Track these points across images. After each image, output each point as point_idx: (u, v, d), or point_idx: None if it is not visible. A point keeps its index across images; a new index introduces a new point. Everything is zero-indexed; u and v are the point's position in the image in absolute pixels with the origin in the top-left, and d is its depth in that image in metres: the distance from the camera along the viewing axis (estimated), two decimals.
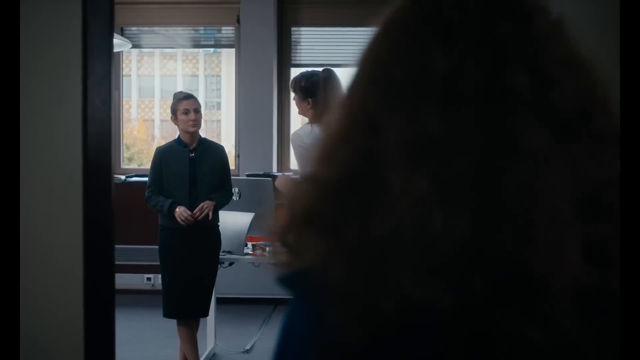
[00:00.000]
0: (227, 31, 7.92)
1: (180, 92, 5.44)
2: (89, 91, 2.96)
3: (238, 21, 7.70)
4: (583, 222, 0.82)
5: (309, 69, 5.07)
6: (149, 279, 7.58)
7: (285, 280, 0.90)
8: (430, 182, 0.81)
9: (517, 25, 0.86)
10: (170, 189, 5.24)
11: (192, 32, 7.96)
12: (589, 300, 0.82)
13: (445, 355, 0.80)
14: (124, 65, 8.29)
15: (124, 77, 8.24)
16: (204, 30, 7.98)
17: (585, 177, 0.84)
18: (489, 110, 0.83)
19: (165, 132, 8.68)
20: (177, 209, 5.16)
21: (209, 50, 8.58)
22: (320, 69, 4.92)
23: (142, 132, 8.91)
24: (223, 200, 5.37)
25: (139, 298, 7.38)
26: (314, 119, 4.73)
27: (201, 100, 9.34)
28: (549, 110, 0.84)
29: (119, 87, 7.90)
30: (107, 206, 3.02)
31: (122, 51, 7.80)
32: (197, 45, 8.17)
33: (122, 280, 7.46)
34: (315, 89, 4.59)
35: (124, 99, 8.38)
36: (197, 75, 8.71)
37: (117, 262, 7.46)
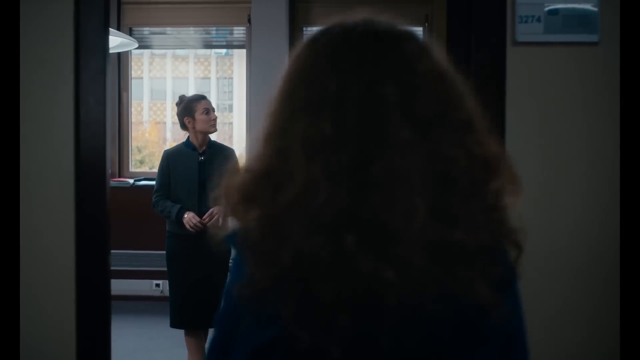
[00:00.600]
0: (239, 32, 7.69)
1: (191, 95, 5.21)
2: (82, 90, 2.73)
3: (249, 21, 7.47)
4: (433, 191, 1.12)
5: None
6: (157, 285, 7.34)
7: (228, 238, 1.26)
8: (321, 169, 1.13)
9: (389, 50, 1.20)
10: (179, 193, 5.01)
11: (204, 33, 7.72)
12: (434, 248, 1.11)
13: (323, 291, 1.11)
14: (136, 67, 8.15)
15: (135, 80, 8.04)
16: (216, 32, 7.75)
17: (437, 159, 1.14)
18: (367, 114, 1.14)
19: (177, 134, 8.53)
20: (186, 215, 4.93)
21: (221, 53, 8.47)
22: None
23: (154, 135, 8.83)
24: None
25: (147, 305, 7.15)
26: None
27: (213, 102, 9.14)
28: (412, 111, 1.15)
29: (127, 89, 7.69)
30: (101, 213, 2.82)
31: (130, 52, 7.61)
32: (208, 46, 7.94)
33: (130, 287, 7.30)
34: None
35: (136, 102, 8.26)
36: (209, 78, 8.62)
37: (125, 268, 7.28)
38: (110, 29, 5.29)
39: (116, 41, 5.27)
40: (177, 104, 5.17)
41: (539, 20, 2.60)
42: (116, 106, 7.59)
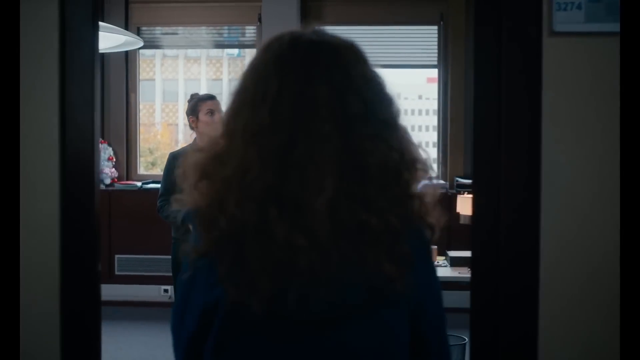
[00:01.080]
0: (250, 31, 7.39)
1: (201, 94, 4.91)
2: (68, 88, 2.43)
3: (259, 20, 7.16)
4: (347, 176, 1.37)
5: None
6: (166, 290, 7.04)
7: (186, 214, 2.16)
8: (255, 151, 1.38)
9: (326, 56, 1.44)
10: None
11: (216, 34, 7.42)
12: (343, 225, 1.36)
13: (249, 253, 1.37)
14: (148, 69, 7.96)
15: (147, 82, 7.87)
16: (228, 32, 7.45)
17: (354, 150, 1.38)
18: (298, 109, 1.39)
19: (189, 136, 8.10)
20: None
21: (233, 54, 8.27)
22: None
23: (166, 137, 8.69)
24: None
25: (155, 311, 6.84)
26: None
27: (225, 104, 8.60)
28: (337, 109, 1.39)
29: (135, 90, 7.41)
30: (89, 219, 2.59)
31: (138, 52, 7.33)
32: (219, 45, 7.64)
33: (138, 292, 7.01)
34: None
35: (148, 103, 8.06)
36: (220, 79, 8.46)
37: (132, 273, 6.95)
38: (115, 27, 5.08)
39: (120, 39, 4.99)
40: (189, 102, 4.88)
41: (579, 7, 2.27)
42: (124, 107, 7.32)
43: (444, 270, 5.10)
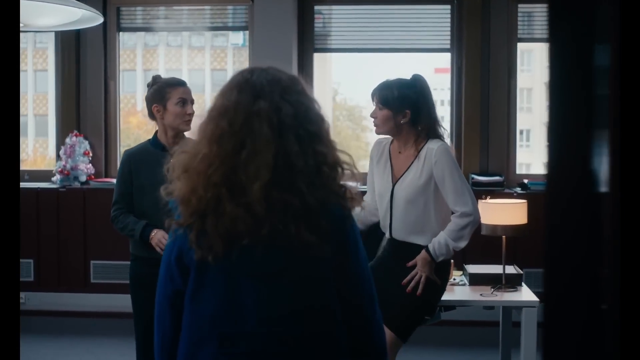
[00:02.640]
0: (239, 11, 6.43)
1: (168, 77, 3.91)
2: None
3: None
4: (279, 169, 1.87)
5: (395, 78, 3.77)
6: None
7: (172, 204, 1.98)
8: (216, 150, 1.90)
9: (271, 80, 1.97)
10: (144, 206, 3.75)
11: (202, 15, 6.47)
12: (270, 201, 1.86)
13: (209, 224, 1.91)
14: (152, 59, 7.26)
15: (151, 72, 6.96)
16: (218, 12, 6.49)
17: (285, 151, 1.88)
18: (248, 120, 1.91)
19: (193, 126, 7.41)
20: (154, 233, 3.67)
21: (238, 44, 7.48)
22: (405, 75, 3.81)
23: None
24: None
25: (132, 322, 5.85)
26: (407, 134, 3.67)
27: None
28: (276, 120, 1.90)
29: (115, 77, 6.46)
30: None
31: (118, 34, 6.39)
32: (208, 28, 6.69)
33: (116, 302, 5.91)
34: (415, 98, 3.64)
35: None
36: (225, 69, 7.81)
37: (107, 281, 5.88)
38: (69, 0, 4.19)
39: (77, 14, 4.03)
40: (149, 85, 3.88)
41: None
42: (102, 97, 6.38)
43: (461, 292, 4.15)
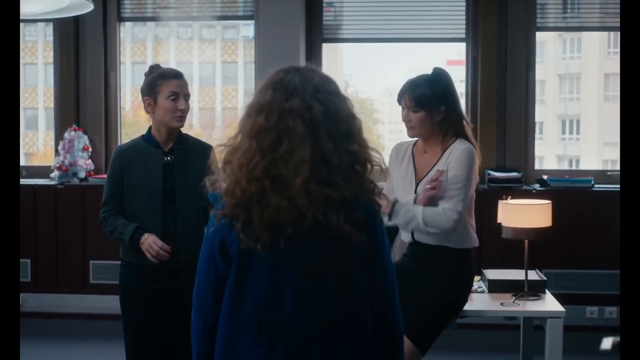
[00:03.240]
0: (248, 1, 6.08)
1: (159, 66, 3.56)
2: None
3: None
4: (317, 165, 1.99)
5: (420, 74, 3.57)
6: None
7: (211, 195, 2.11)
8: (256, 145, 2.02)
9: (303, 79, 2.08)
10: (135, 208, 3.44)
11: (208, 4, 6.14)
12: (315, 196, 1.98)
13: (254, 214, 2.02)
14: (162, 51, 7.08)
15: (160, 65, 6.57)
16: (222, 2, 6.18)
17: (320, 148, 2.00)
18: (283, 117, 2.03)
19: (204, 120, 8.11)
20: (144, 238, 3.34)
21: (248, 37, 7.12)
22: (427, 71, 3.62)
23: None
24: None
25: None
26: (440, 133, 3.50)
27: (240, 88, 7.50)
28: (308, 118, 2.02)
29: (115, 69, 6.12)
30: None
31: (119, 24, 6.05)
32: (209, 17, 6.35)
33: (117, 304, 5.68)
34: (447, 93, 3.49)
35: None
36: (235, 62, 7.80)
37: (110, 282, 5.58)
38: None
39: (64, 1, 3.69)
40: (146, 75, 3.55)
41: None
42: (102, 89, 6.05)
43: (480, 300, 3.79)
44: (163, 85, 3.41)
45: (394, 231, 3.63)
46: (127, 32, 7.14)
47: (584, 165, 10.58)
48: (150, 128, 3.50)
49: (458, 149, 3.42)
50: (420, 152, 3.54)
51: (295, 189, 1.97)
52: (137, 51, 7.45)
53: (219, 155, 2.12)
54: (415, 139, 3.57)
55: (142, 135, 3.52)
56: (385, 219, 3.33)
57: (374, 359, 2.16)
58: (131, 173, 3.41)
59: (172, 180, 3.40)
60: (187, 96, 3.44)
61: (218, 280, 2.11)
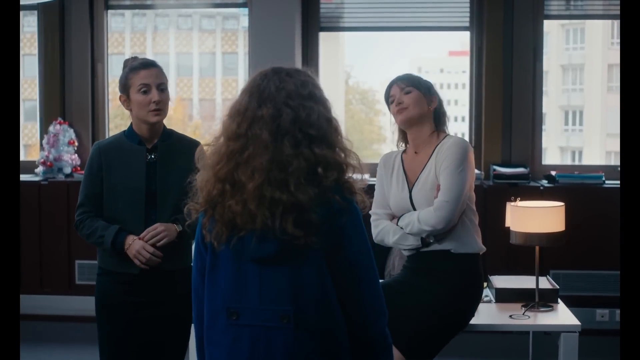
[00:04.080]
0: None
1: (135, 58, 3.17)
2: None
3: None
4: (273, 170, 2.04)
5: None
6: None
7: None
8: (226, 150, 2.09)
9: (277, 85, 2.10)
10: (116, 210, 3.09)
11: None
12: (266, 200, 2.04)
13: (216, 213, 2.10)
14: (161, 42, 7.02)
15: (162, 55, 6.97)
16: None
17: (281, 154, 2.04)
18: (253, 123, 2.07)
19: (204, 111, 8.11)
20: (130, 242, 3.02)
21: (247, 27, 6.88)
22: None
23: (179, 112, 8.07)
24: (195, 226, 3.14)
25: None
26: (429, 126, 3.28)
27: (241, 79, 7.34)
28: (275, 124, 2.06)
29: (103, 60, 5.75)
30: None
31: (106, 12, 5.69)
32: (202, 4, 6.02)
33: None
34: (434, 89, 3.34)
35: None
36: (236, 53, 7.72)
37: (94, 283, 5.11)
38: None
39: None
40: (123, 70, 3.18)
41: None
42: (89, 81, 5.70)
43: (487, 311, 3.41)
44: (133, 78, 3.06)
45: (385, 250, 3.43)
46: (126, 23, 6.97)
47: (587, 157, 10.24)
48: (131, 124, 3.14)
49: (448, 141, 3.18)
50: (409, 156, 3.28)
51: (247, 194, 2.04)
52: (136, 42, 7.37)
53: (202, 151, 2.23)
54: (401, 149, 3.34)
55: (124, 131, 3.16)
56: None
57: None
58: (111, 172, 3.06)
59: (155, 180, 3.07)
60: (161, 86, 3.06)
61: (204, 267, 2.19)
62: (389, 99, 3.26)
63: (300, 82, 2.13)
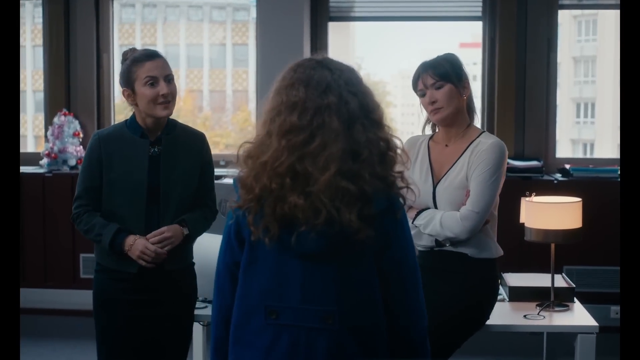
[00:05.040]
0: None
1: (135, 49, 3.02)
2: None
3: None
4: (346, 160, 1.96)
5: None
6: None
7: (234, 180, 2.09)
8: (285, 144, 1.98)
9: (335, 75, 2.04)
10: (115, 205, 2.93)
11: None
12: (336, 192, 1.94)
13: (267, 208, 1.99)
14: (172, 34, 6.77)
15: (171, 47, 6.68)
16: None
17: (353, 142, 1.98)
18: (317, 113, 1.99)
19: (214, 102, 7.69)
20: (132, 244, 2.88)
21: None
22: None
23: (189, 103, 7.67)
24: (199, 225, 3.00)
25: None
26: (463, 117, 3.03)
27: (251, 71, 7.23)
28: (343, 113, 2.00)
29: (108, 50, 5.61)
30: None
31: (111, 2, 5.52)
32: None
33: None
34: (464, 71, 3.05)
35: (173, 70, 6.67)
36: (246, 44, 7.39)
37: None
38: None
39: None
40: (122, 62, 3.02)
41: None
42: (94, 71, 5.56)
43: (500, 310, 3.23)
44: (137, 71, 2.90)
45: None
46: (137, 14, 6.96)
47: (598, 149, 10.07)
48: (133, 114, 2.99)
49: (485, 143, 2.92)
50: (438, 146, 3.04)
51: (319, 185, 1.94)
52: (147, 33, 7.17)
53: (240, 150, 2.10)
54: (429, 134, 3.08)
55: (125, 120, 3.01)
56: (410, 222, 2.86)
57: None
58: (111, 165, 2.91)
59: (158, 174, 2.92)
60: (168, 77, 2.91)
61: (234, 263, 2.10)
62: (417, 86, 3.02)
63: (348, 68, 2.08)
